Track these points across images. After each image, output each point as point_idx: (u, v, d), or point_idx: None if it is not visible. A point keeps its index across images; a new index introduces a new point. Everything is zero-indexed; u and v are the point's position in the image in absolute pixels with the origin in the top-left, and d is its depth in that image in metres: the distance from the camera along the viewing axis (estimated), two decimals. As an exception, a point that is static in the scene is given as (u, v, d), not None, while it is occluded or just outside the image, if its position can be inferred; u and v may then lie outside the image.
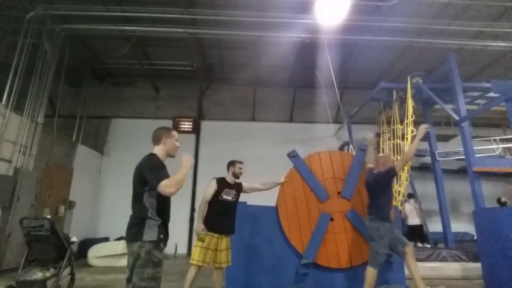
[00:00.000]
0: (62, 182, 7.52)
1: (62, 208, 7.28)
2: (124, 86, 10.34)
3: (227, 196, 3.61)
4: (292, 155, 4.17)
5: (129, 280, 2.08)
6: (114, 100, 10.22)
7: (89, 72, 9.50)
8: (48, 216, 4.88)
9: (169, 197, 2.25)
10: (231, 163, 3.78)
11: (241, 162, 3.80)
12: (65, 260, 3.78)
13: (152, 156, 2.29)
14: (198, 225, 3.45)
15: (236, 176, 3.74)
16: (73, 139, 8.47)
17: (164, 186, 2.04)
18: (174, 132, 2.45)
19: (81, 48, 8.55)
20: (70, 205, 7.73)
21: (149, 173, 2.13)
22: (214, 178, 3.69)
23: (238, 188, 3.77)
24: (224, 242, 3.55)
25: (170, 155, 2.40)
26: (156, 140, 2.38)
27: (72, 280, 4.00)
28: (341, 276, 3.88)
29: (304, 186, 4.06)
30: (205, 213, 3.57)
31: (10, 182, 5.71)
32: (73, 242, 4.15)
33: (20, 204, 5.82)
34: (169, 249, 8.68)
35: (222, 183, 3.64)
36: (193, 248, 3.51)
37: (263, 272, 3.89)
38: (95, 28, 6.91)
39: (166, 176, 2.12)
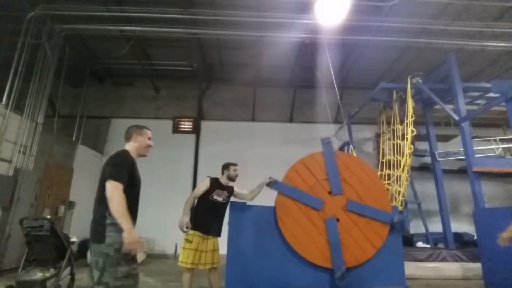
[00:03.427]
0: (62, 182, 7.52)
1: (62, 208, 7.28)
2: (124, 86, 10.34)
3: (218, 197, 3.56)
4: (273, 183, 3.92)
5: (99, 281, 1.94)
6: (114, 100, 10.22)
7: (89, 72, 9.50)
8: (48, 216, 4.89)
9: (137, 194, 2.23)
10: (226, 166, 3.72)
11: (235, 164, 3.73)
12: (65, 260, 3.78)
13: (122, 152, 2.24)
14: (183, 218, 3.31)
15: (232, 179, 3.68)
16: (73, 139, 8.47)
17: (110, 187, 1.98)
18: (147, 131, 2.41)
19: (81, 48, 8.55)
20: (70, 205, 7.73)
21: (109, 167, 2.07)
22: (208, 176, 3.65)
23: (230, 190, 3.73)
24: (211, 243, 3.50)
25: (140, 153, 2.35)
26: (127, 137, 2.34)
27: (72, 280, 4.01)
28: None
29: (297, 205, 4.03)
30: (194, 210, 3.51)
31: (10, 182, 5.71)
32: (73, 242, 4.16)
33: (20, 204, 5.82)
34: (169, 249, 8.68)
35: (215, 183, 3.59)
36: (180, 250, 3.43)
37: (263, 272, 3.88)
38: (95, 28, 6.91)
39: (123, 178, 2.03)
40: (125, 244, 1.91)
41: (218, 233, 3.58)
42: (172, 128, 10.07)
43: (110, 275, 1.93)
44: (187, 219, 3.34)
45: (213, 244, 3.52)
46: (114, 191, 1.97)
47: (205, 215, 3.50)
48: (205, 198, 3.52)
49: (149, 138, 2.40)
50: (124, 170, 2.07)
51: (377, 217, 3.90)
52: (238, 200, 3.87)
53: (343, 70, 9.33)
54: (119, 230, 1.96)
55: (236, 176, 3.70)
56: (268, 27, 7.05)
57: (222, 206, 3.62)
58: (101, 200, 2.06)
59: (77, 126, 8.76)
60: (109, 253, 1.96)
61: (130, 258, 2.00)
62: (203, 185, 3.54)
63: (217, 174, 3.80)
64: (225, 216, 3.66)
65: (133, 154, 2.30)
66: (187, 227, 3.32)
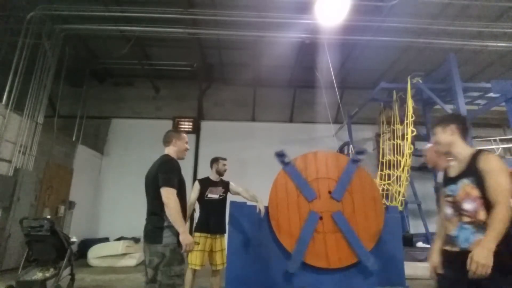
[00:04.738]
0: (62, 182, 7.52)
1: (62, 208, 7.28)
2: (124, 86, 10.33)
3: (213, 195, 3.57)
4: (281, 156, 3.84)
5: (153, 279, 2.12)
6: (114, 100, 10.21)
7: (89, 72, 9.49)
8: (48, 216, 4.88)
9: (184, 194, 2.38)
10: (215, 160, 3.72)
11: (224, 159, 3.74)
12: (65, 260, 3.78)
13: (168, 158, 2.37)
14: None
15: (220, 173, 3.68)
16: (73, 139, 8.47)
17: (166, 193, 2.13)
18: (184, 135, 2.54)
19: (81, 48, 8.54)
20: (70, 205, 7.73)
21: (161, 174, 2.21)
22: (197, 180, 3.68)
23: (225, 186, 3.71)
24: (219, 242, 3.51)
25: (179, 156, 2.47)
26: (167, 141, 2.47)
27: (72, 280, 4.01)
28: (341, 276, 3.87)
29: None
30: (195, 216, 3.57)
31: (10, 182, 5.71)
32: (73, 242, 4.15)
33: (20, 204, 5.83)
34: (169, 249, 8.69)
35: (205, 182, 3.61)
36: (188, 253, 3.47)
37: (263, 272, 3.88)
38: (95, 28, 6.91)
39: (175, 183, 2.20)
40: (183, 245, 2.11)
41: (222, 230, 3.59)
42: (172, 128, 10.07)
43: (164, 273, 2.09)
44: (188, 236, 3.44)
45: (221, 244, 3.54)
46: (170, 197, 2.13)
47: (206, 215, 3.52)
48: (201, 199, 3.56)
49: (186, 142, 2.54)
50: (174, 175, 2.24)
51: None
52: (238, 200, 3.87)
53: (343, 70, 9.32)
54: (174, 232, 2.14)
55: (225, 170, 3.71)
56: (268, 27, 7.04)
57: (219, 203, 3.61)
58: (157, 205, 2.20)
59: (77, 126, 8.76)
60: (165, 253, 2.11)
61: (181, 259, 2.17)
62: (194, 191, 3.56)
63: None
64: (225, 212, 3.65)
65: (173, 157, 2.44)
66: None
